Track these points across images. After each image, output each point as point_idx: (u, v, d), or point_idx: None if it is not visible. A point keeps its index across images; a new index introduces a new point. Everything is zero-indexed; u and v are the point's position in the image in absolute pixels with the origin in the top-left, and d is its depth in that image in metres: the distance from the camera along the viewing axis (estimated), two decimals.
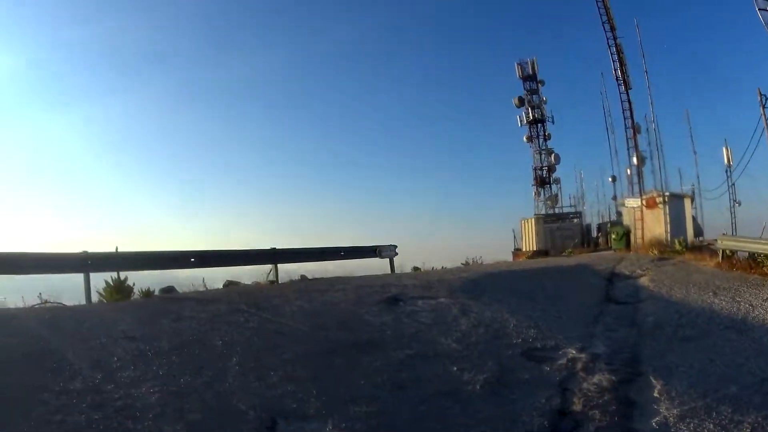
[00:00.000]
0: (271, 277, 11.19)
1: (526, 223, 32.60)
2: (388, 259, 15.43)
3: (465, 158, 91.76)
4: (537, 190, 34.08)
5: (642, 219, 24.61)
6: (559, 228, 31.67)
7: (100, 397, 4.24)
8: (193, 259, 10.78)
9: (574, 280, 12.70)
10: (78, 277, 9.34)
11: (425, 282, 10.65)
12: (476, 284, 10.51)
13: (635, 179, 27.07)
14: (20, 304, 8.53)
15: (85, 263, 9.12)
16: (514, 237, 33.55)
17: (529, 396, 4.67)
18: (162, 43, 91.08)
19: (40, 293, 8.78)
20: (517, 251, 31.88)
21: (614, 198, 32.45)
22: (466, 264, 18.91)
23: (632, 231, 25.13)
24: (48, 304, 8.50)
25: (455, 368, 5.32)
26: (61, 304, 8.57)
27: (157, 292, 9.15)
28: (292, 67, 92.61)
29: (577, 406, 4.46)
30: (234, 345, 5.89)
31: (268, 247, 11.91)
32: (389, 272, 14.75)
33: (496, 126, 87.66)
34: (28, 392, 4.15)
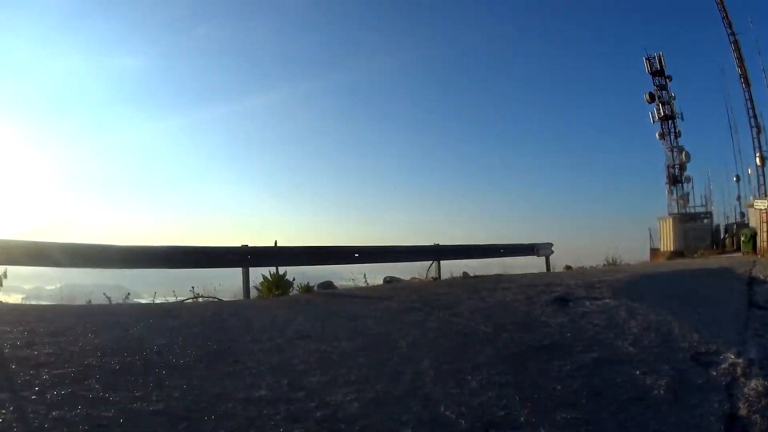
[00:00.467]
0: (432, 273, 10.56)
1: (665, 223, 31.85)
2: (543, 258, 15.19)
3: (587, 156, 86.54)
4: (669, 188, 33.35)
5: (767, 221, 23.81)
6: (692, 228, 31.49)
7: (294, 407, 3.46)
8: (356, 255, 10.51)
9: (719, 284, 12.59)
10: (216, 271, 9.17)
11: (586, 282, 10.16)
12: (633, 285, 10.11)
13: (759, 180, 26.53)
14: (171, 298, 8.40)
15: (244, 257, 8.88)
16: (650, 236, 32.70)
17: (705, 400, 4.51)
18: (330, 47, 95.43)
19: (193, 287, 8.60)
20: (654, 251, 31.16)
21: (738, 198, 30.99)
22: (609, 263, 19.33)
23: (758, 233, 24.30)
24: (201, 299, 8.32)
25: (638, 372, 5.00)
26: (216, 298, 8.38)
27: (315, 288, 8.72)
28: (448, 64, 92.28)
29: (743, 411, 4.42)
30: (420, 347, 5.22)
31: (431, 243, 11.70)
32: (543, 270, 14.41)
33: (623, 122, 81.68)
34: (207, 402, 3.47)
